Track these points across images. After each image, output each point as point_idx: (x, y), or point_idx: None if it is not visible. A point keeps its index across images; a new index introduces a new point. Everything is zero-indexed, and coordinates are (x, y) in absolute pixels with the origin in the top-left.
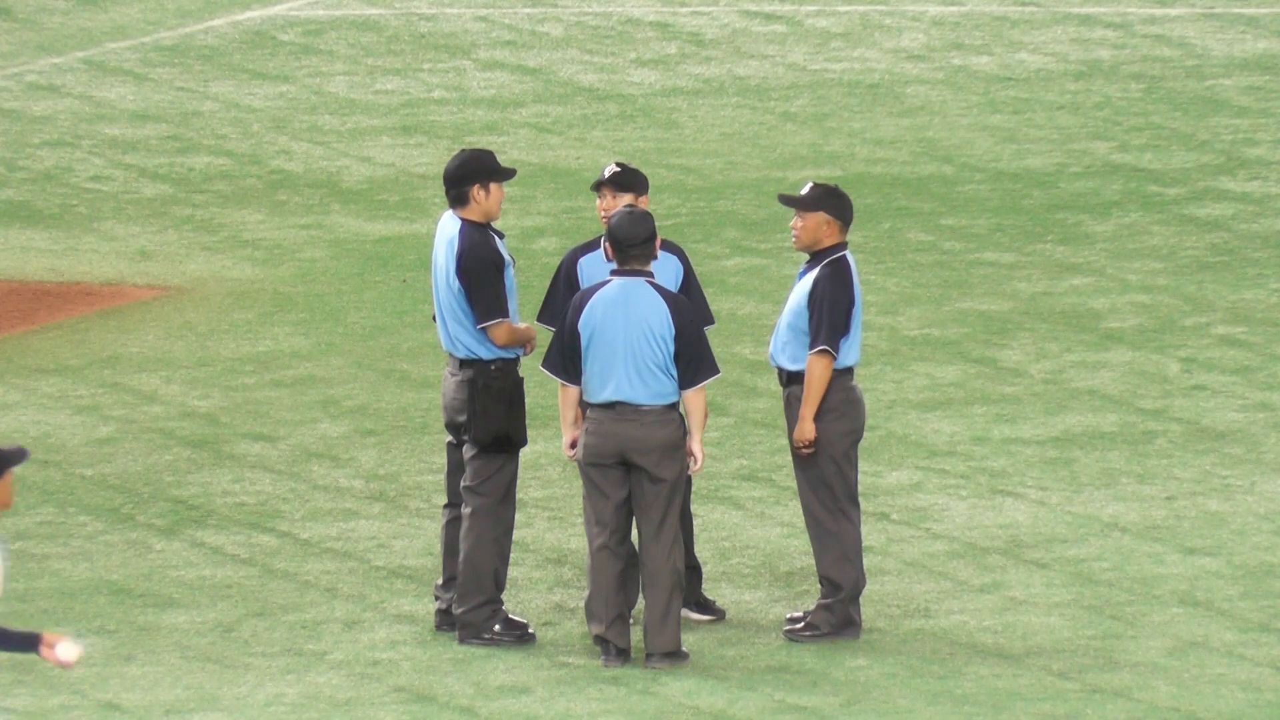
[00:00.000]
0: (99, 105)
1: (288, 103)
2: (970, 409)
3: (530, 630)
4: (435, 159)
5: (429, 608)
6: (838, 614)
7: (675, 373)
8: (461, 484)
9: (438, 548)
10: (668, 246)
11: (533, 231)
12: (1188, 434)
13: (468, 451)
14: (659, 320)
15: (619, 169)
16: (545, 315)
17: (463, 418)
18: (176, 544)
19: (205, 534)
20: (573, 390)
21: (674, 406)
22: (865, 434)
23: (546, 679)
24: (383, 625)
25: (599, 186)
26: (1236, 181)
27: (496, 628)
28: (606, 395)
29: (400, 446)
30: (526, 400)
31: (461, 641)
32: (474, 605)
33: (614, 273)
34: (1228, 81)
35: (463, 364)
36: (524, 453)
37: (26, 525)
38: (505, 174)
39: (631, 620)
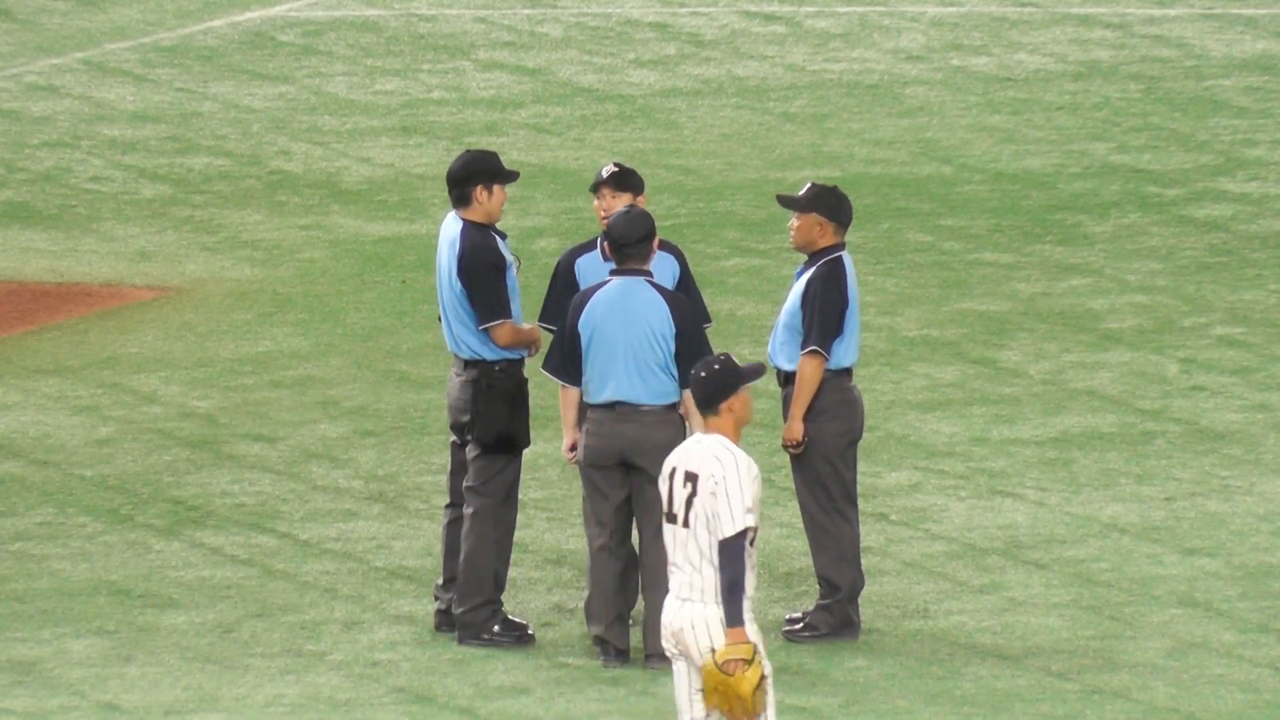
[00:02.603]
0: (98, 106)
1: (287, 103)
2: (969, 409)
3: (530, 631)
4: (435, 159)
5: (428, 608)
6: (836, 614)
7: (676, 372)
8: (464, 484)
9: (437, 548)
10: (665, 246)
11: (532, 232)
12: (1187, 435)
13: (470, 452)
14: (659, 319)
15: (617, 169)
16: (545, 317)
17: (466, 418)
18: (176, 544)
19: (205, 534)
20: (573, 391)
21: (674, 407)
22: (864, 434)
23: (546, 679)
24: (382, 626)
25: (597, 187)
26: (1235, 182)
27: (496, 628)
28: (607, 395)
29: (399, 447)
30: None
31: (461, 642)
32: (474, 606)
33: (613, 272)
34: (1227, 82)
35: (467, 364)
36: (523, 453)
37: (26, 525)
38: (509, 175)
39: (631, 621)
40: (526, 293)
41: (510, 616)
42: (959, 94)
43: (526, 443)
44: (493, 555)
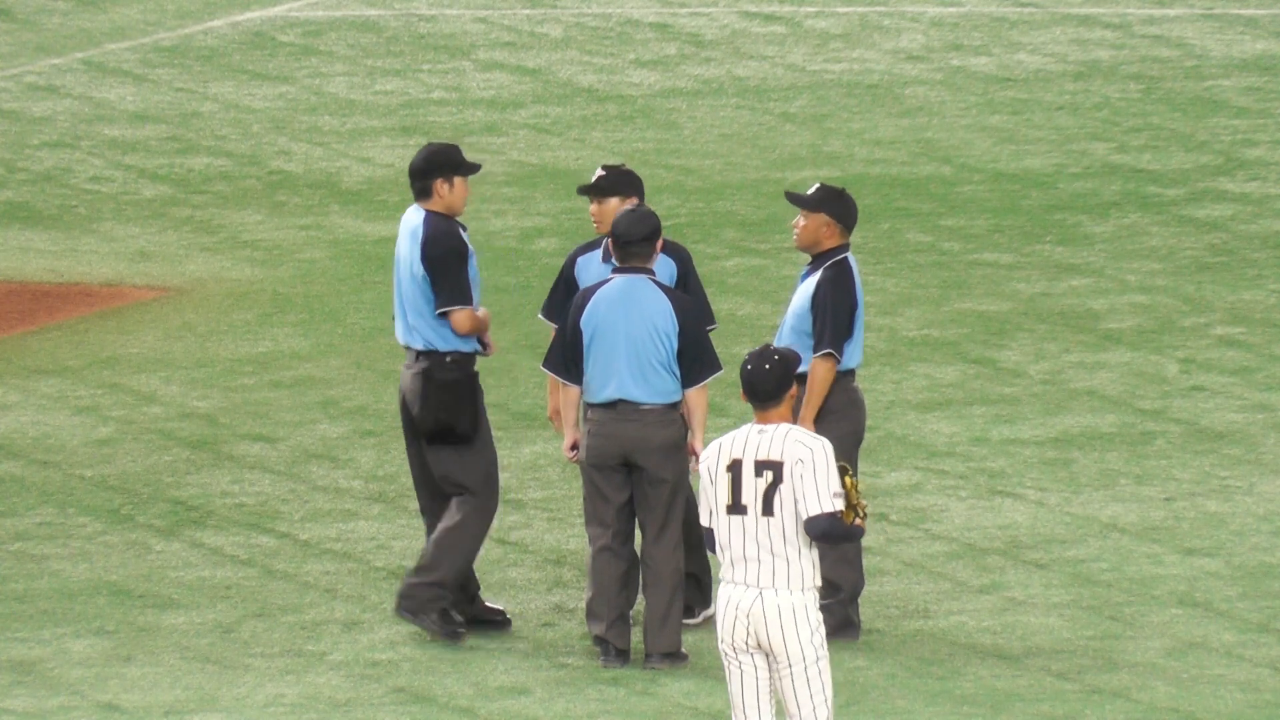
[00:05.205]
0: (99, 106)
1: (287, 103)
2: (969, 410)
3: (462, 629)
4: None
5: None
6: (836, 615)
7: (678, 370)
8: (449, 482)
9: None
10: (669, 249)
11: (532, 232)
12: (1186, 435)
13: (435, 450)
14: (662, 317)
15: (604, 173)
16: (546, 310)
17: (417, 407)
18: (176, 545)
19: (205, 535)
20: (574, 390)
21: (675, 406)
22: (865, 434)
23: (546, 679)
24: (382, 626)
25: (585, 192)
26: (1235, 182)
27: (435, 615)
28: (608, 394)
29: (399, 447)
30: (527, 400)
31: (397, 610)
32: (425, 582)
33: (615, 270)
34: (1226, 82)
35: (419, 355)
36: (524, 453)
37: (26, 525)
38: (470, 168)
39: (632, 621)
40: (526, 292)
41: (451, 611)
42: (959, 94)
43: (470, 434)
44: (467, 550)
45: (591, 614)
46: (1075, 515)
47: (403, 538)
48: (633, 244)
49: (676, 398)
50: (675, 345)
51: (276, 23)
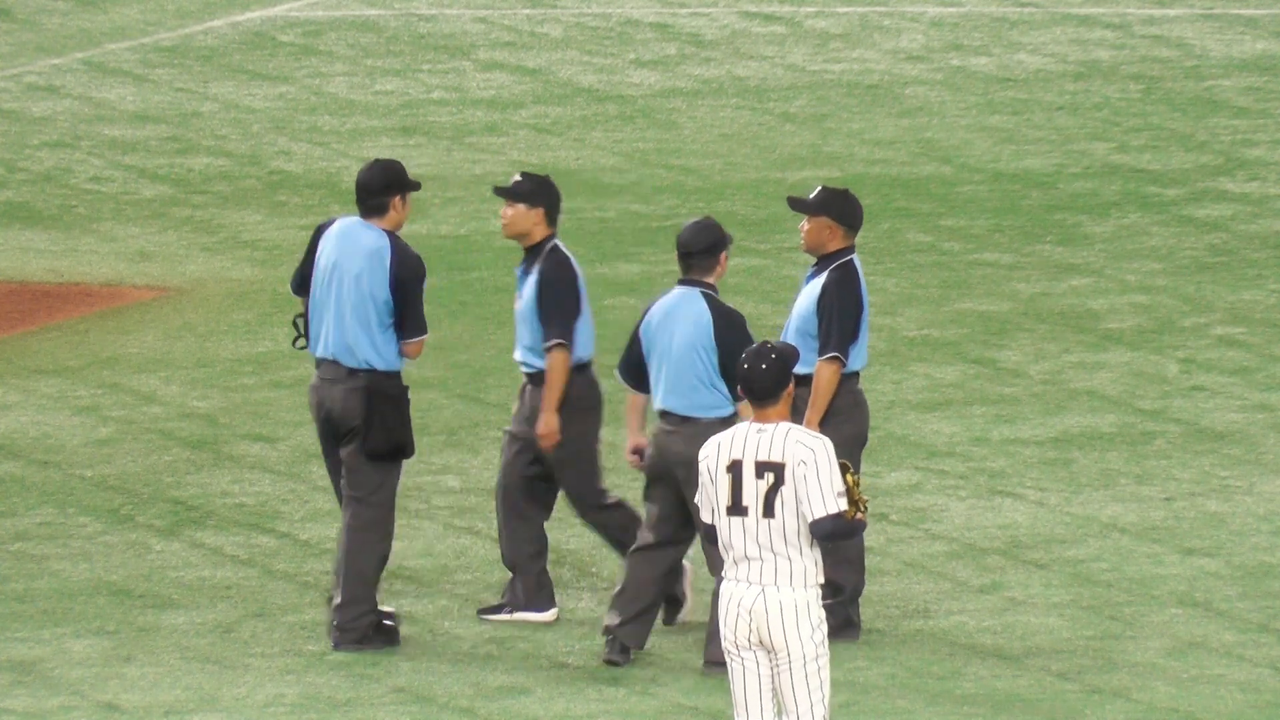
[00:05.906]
0: (99, 106)
1: (287, 103)
2: (969, 410)
3: (396, 622)
4: (435, 160)
5: (429, 608)
6: (837, 615)
7: (721, 385)
8: (347, 494)
9: (437, 548)
10: (552, 262)
11: None
12: (1186, 435)
13: (353, 460)
14: (702, 333)
15: (520, 179)
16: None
17: (355, 424)
18: (176, 545)
19: (205, 535)
20: (638, 397)
21: (726, 420)
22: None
23: (546, 679)
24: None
25: (499, 193)
26: (1235, 182)
27: (373, 636)
28: (656, 404)
29: None
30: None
31: (337, 646)
32: (358, 614)
33: (679, 281)
34: (1226, 82)
35: (351, 372)
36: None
37: (26, 525)
38: (415, 185)
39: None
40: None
41: (382, 621)
42: (959, 94)
43: (413, 450)
44: (378, 567)
45: (613, 605)
46: (1075, 515)
47: (402, 538)
48: (692, 255)
49: (721, 412)
50: (716, 361)
51: (276, 23)
